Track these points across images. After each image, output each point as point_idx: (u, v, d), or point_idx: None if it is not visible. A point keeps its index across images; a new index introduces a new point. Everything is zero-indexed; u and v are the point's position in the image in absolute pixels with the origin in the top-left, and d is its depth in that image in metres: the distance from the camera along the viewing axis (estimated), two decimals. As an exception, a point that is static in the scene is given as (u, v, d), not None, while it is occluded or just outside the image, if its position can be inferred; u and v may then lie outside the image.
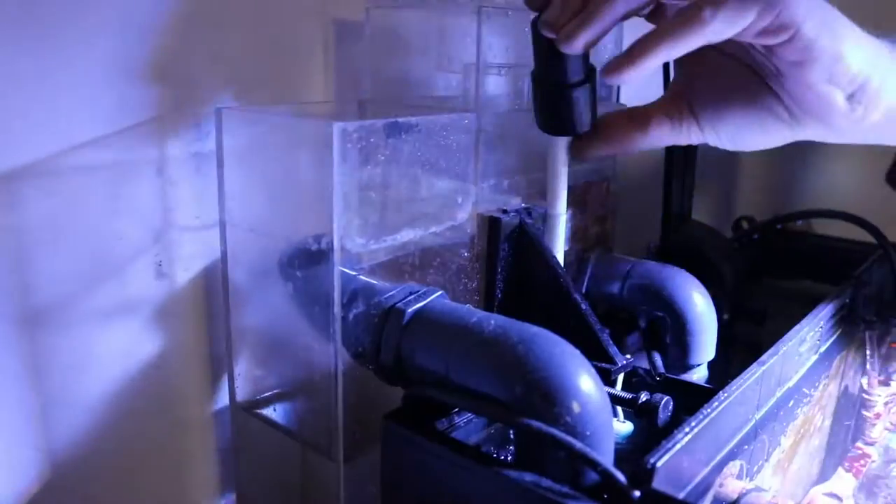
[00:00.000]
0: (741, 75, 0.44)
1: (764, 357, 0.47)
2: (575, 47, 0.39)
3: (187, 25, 0.47)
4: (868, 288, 0.67)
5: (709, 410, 0.41)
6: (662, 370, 0.55)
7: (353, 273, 0.45)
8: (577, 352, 0.39)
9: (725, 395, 0.42)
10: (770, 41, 0.39)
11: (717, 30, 0.37)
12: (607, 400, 0.39)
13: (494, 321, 0.40)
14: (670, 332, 0.55)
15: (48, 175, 0.43)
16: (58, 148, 0.43)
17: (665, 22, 0.38)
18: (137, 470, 0.50)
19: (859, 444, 0.62)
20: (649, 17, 0.43)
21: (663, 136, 0.46)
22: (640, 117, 0.47)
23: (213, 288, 0.51)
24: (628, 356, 0.49)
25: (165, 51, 0.47)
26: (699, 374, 0.56)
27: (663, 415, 0.45)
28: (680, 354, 0.55)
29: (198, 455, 0.53)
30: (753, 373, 0.45)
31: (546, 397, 0.36)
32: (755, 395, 0.46)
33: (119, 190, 0.46)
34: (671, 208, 0.68)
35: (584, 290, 0.59)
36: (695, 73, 0.46)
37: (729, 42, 0.42)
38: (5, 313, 0.42)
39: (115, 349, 0.47)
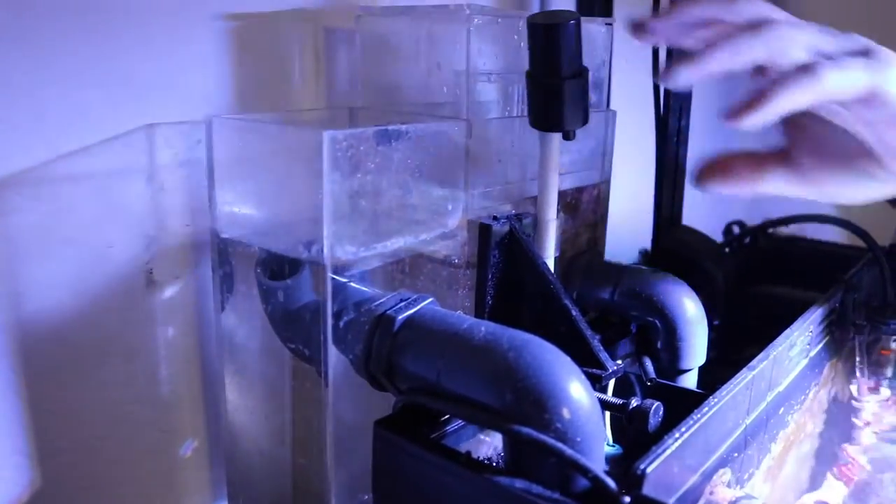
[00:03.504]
0: (838, 138, 0.46)
1: (754, 362, 0.47)
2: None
3: (178, 33, 0.47)
4: (858, 293, 0.67)
5: (699, 416, 0.42)
6: (653, 375, 0.55)
7: (344, 280, 0.45)
8: (568, 358, 0.39)
9: (716, 400, 0.42)
10: (864, 108, 0.41)
11: (829, 90, 0.39)
12: (598, 406, 0.39)
13: (485, 328, 0.40)
14: (661, 337, 0.55)
15: (39, 183, 0.43)
16: (48, 156, 0.43)
17: (784, 76, 0.40)
18: (129, 478, 0.50)
19: (848, 450, 0.62)
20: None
21: (778, 183, 0.48)
22: (757, 161, 0.48)
23: (204, 295, 0.51)
24: (619, 362, 0.49)
25: (156, 59, 0.47)
26: (690, 380, 0.56)
27: (654, 420, 0.45)
28: (671, 360, 0.55)
29: (190, 462, 0.53)
30: (743, 378, 0.45)
31: (536, 404, 0.37)
32: (745, 400, 0.46)
33: (110, 198, 0.46)
34: (662, 214, 0.69)
35: (574, 296, 0.59)
36: (797, 135, 0.48)
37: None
38: (-5, 322, 0.42)
39: (106, 356, 0.47)
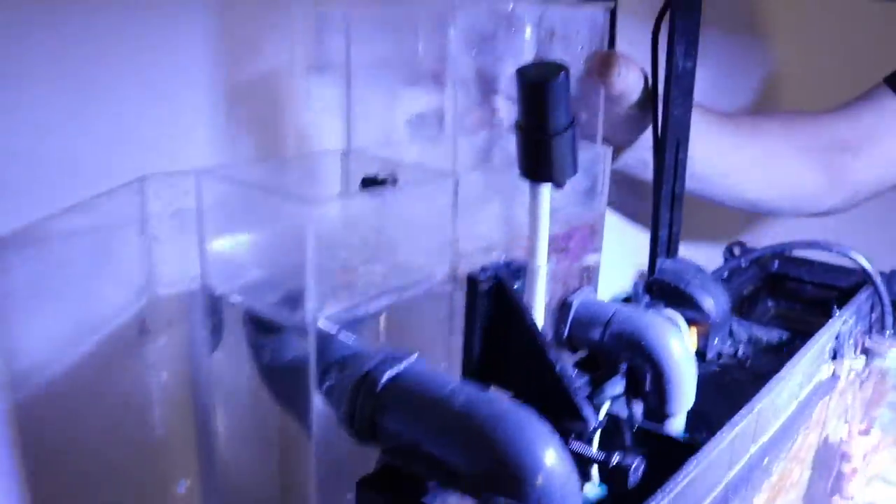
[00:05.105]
0: None
1: (736, 417, 0.48)
2: None
3: (165, 84, 0.48)
4: (853, 327, 0.67)
5: (674, 484, 0.42)
6: (640, 419, 0.56)
7: (331, 333, 0.45)
8: (544, 427, 0.40)
9: (694, 464, 0.43)
10: None
11: None
12: (573, 471, 0.40)
13: (465, 395, 0.41)
14: (649, 380, 0.55)
15: (32, 241, 0.43)
16: (41, 213, 0.44)
17: None
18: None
19: (836, 498, 0.62)
20: None
21: None
22: None
23: (197, 339, 0.52)
24: (602, 414, 0.50)
25: (148, 108, 0.47)
26: (678, 423, 0.56)
27: (633, 478, 0.45)
28: (658, 403, 0.55)
29: (184, 500, 0.55)
30: (723, 438, 0.46)
31: (512, 474, 0.38)
32: (727, 456, 0.47)
33: (103, 251, 0.46)
34: (658, 244, 0.69)
35: (566, 335, 0.59)
36: None
37: None
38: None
39: (100, 404, 0.48)
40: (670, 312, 0.65)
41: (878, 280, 0.72)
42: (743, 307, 0.83)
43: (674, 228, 0.69)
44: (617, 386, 0.59)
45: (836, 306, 0.68)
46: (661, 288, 0.67)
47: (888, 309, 0.72)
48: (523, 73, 0.47)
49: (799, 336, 0.68)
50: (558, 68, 0.48)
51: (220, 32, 0.50)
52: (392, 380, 0.43)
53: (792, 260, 0.87)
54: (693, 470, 0.42)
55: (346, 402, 0.44)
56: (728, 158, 0.83)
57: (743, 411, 0.48)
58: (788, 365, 0.55)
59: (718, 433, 0.46)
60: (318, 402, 0.44)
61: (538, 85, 0.46)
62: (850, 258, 0.72)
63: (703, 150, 0.76)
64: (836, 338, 0.64)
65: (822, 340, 0.61)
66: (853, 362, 0.63)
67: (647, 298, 0.68)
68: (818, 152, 0.89)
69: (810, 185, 0.89)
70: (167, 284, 0.50)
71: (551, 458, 0.39)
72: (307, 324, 0.41)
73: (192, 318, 0.51)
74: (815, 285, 0.85)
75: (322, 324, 0.42)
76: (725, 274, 0.82)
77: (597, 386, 0.58)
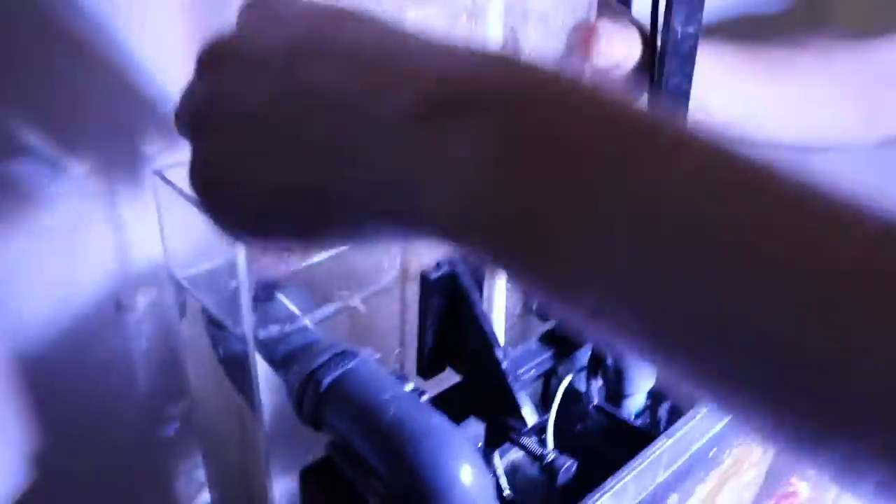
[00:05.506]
0: None
1: (675, 426, 0.48)
2: None
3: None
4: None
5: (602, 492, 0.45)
6: (595, 399, 0.58)
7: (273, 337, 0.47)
8: (467, 446, 0.42)
9: (613, 482, 0.45)
10: None
11: None
12: (489, 490, 0.43)
13: (395, 407, 0.43)
14: (610, 361, 0.56)
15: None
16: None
17: None
18: (120, 454, 0.58)
19: (794, 478, 0.63)
20: None
21: None
22: None
23: (172, 308, 0.55)
24: (560, 396, 0.52)
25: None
26: (637, 401, 0.58)
27: (563, 478, 0.48)
28: (617, 381, 0.57)
29: (174, 440, 0.60)
30: (658, 447, 0.47)
31: (428, 492, 0.41)
32: (659, 464, 0.48)
33: (73, 242, 0.49)
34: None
35: (535, 307, 0.60)
36: None
37: None
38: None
39: (87, 371, 0.53)
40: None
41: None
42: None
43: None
44: (582, 359, 0.60)
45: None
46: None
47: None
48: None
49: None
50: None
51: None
52: (335, 381, 0.46)
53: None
54: (612, 489, 0.44)
55: (295, 394, 0.47)
56: (752, 101, 0.76)
57: (684, 419, 0.49)
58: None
59: (651, 445, 0.47)
60: (265, 396, 0.47)
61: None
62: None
63: (719, 96, 0.71)
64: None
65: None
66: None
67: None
68: (859, 85, 0.81)
69: (844, 123, 0.82)
70: (137, 264, 0.52)
71: (468, 476, 0.41)
72: (245, 336, 0.43)
73: (165, 291, 0.54)
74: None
75: (264, 334, 0.44)
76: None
77: (561, 358, 0.59)
